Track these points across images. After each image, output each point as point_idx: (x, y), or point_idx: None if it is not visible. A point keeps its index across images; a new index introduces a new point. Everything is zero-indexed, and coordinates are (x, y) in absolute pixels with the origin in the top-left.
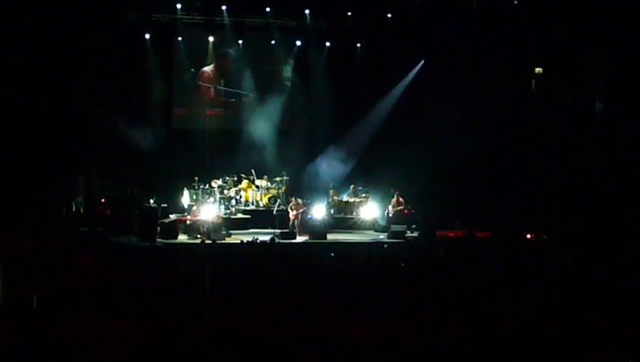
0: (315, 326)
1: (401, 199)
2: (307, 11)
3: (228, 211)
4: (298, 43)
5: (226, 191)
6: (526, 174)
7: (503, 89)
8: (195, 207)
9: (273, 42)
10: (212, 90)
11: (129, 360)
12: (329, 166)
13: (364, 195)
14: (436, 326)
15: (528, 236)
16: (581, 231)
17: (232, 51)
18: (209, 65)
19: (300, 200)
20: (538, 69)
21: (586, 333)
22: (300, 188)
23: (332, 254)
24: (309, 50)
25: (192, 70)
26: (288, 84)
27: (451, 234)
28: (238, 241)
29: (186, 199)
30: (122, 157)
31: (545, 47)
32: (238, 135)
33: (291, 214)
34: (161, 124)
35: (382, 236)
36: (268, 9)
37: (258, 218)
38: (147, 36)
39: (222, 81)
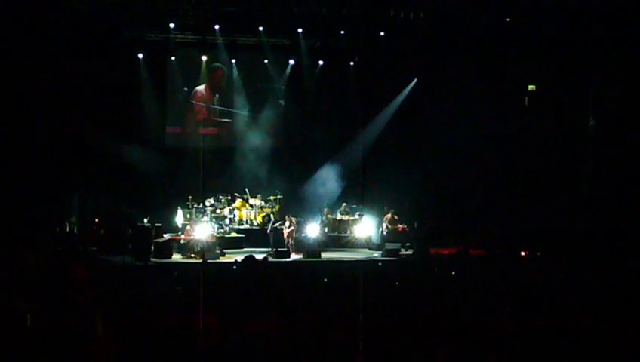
0: (310, 343)
1: (396, 217)
2: (300, 30)
3: (222, 230)
4: (291, 62)
5: (219, 211)
6: (520, 191)
7: (496, 106)
8: (189, 226)
9: (266, 61)
10: (205, 109)
11: None
12: (323, 184)
13: (358, 213)
14: (432, 343)
15: (522, 253)
16: (575, 248)
17: (222, 65)
18: (202, 84)
19: (293, 219)
20: (531, 86)
21: (582, 348)
22: (294, 206)
23: (325, 280)
24: (302, 69)
25: (186, 89)
26: (282, 102)
27: (445, 252)
28: (232, 260)
29: (179, 218)
30: (116, 177)
31: (538, 64)
32: (232, 154)
33: (286, 232)
34: (155, 143)
35: (376, 254)
36: (261, 28)
37: (252, 237)
38: (140, 55)
39: (216, 98)
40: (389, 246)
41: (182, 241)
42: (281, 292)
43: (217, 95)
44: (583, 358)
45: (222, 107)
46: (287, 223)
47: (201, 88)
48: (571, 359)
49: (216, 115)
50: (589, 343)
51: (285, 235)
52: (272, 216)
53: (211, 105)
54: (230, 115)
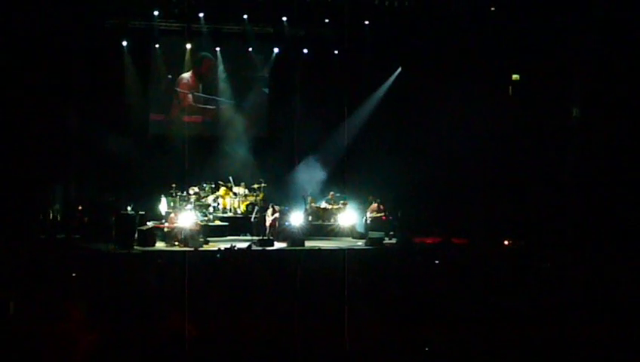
0: (294, 333)
1: (381, 206)
2: (284, 18)
3: (205, 218)
4: (275, 50)
5: (203, 199)
6: (504, 180)
7: (480, 95)
8: (172, 214)
9: (250, 49)
10: (190, 96)
11: None
12: (307, 173)
13: (342, 202)
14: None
15: (506, 242)
16: (559, 237)
17: (210, 55)
18: (187, 71)
19: (276, 207)
20: (515, 76)
21: (565, 339)
22: (278, 195)
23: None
24: (286, 57)
25: (170, 77)
26: (266, 91)
27: (429, 241)
28: (216, 248)
29: (163, 206)
30: (100, 164)
31: (522, 53)
32: (216, 142)
33: (268, 221)
34: (139, 130)
35: (359, 243)
36: (245, 16)
37: (236, 225)
38: (124, 43)
39: (200, 87)
40: (373, 235)
41: (165, 229)
42: (264, 282)
43: (202, 83)
44: (566, 346)
45: (206, 95)
46: (269, 211)
47: (187, 75)
48: (554, 348)
49: (200, 102)
50: (572, 333)
51: (268, 224)
52: (255, 204)
53: (195, 93)
54: (214, 102)
